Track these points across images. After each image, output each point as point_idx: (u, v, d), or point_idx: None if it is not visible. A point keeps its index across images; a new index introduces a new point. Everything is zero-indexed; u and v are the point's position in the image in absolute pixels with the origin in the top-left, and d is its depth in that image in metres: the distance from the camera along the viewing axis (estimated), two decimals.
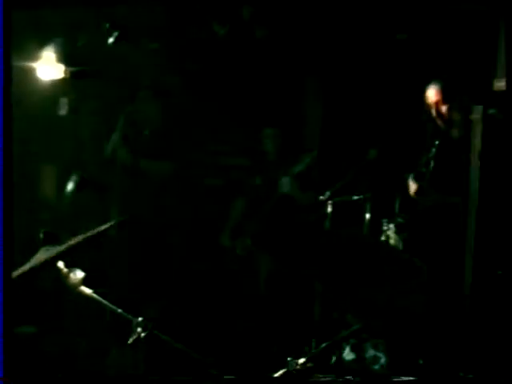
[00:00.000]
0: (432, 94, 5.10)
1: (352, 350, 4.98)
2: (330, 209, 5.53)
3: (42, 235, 3.67)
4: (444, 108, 5.07)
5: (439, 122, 5.11)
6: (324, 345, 4.33)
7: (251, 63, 6.75)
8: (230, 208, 6.53)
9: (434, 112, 5.11)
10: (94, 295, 3.70)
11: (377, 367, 4.90)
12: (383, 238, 5.08)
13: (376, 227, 5.25)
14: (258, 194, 6.41)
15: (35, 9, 5.52)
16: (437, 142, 5.11)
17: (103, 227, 4.02)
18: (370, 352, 4.96)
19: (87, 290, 3.69)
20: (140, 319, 3.62)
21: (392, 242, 5.04)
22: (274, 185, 6.34)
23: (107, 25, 5.97)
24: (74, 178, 6.59)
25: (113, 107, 6.46)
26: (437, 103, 5.09)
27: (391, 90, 6.33)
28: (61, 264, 3.66)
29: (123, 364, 4.47)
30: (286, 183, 6.29)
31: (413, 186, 5.13)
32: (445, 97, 5.05)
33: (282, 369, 3.80)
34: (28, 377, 3.43)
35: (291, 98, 6.87)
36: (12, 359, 3.12)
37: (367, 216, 5.45)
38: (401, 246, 5.02)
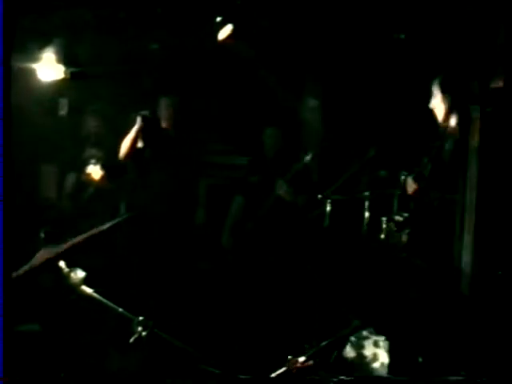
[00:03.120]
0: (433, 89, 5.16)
1: (352, 347, 4.99)
2: (329, 207, 5.54)
3: (42, 235, 3.67)
4: (435, 102, 5.11)
5: (436, 117, 5.16)
6: (324, 343, 4.35)
7: (252, 63, 6.77)
8: (230, 206, 6.54)
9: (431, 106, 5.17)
10: (95, 294, 3.70)
11: (377, 365, 4.91)
12: (382, 236, 5.09)
13: (375, 225, 5.26)
14: (256, 192, 6.42)
15: (37, 11, 5.55)
16: (437, 143, 5.13)
17: (104, 226, 4.03)
18: (370, 349, 4.96)
19: (88, 290, 3.69)
20: (141, 318, 3.61)
21: (391, 240, 5.05)
22: (272, 183, 6.35)
23: None
24: (72, 176, 6.62)
25: (113, 107, 6.48)
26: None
27: (391, 88, 6.35)
28: (62, 263, 3.67)
29: (124, 364, 4.47)
30: (281, 185, 6.30)
31: (412, 186, 5.14)
32: (442, 91, 5.10)
33: (282, 367, 3.81)
34: (28, 377, 3.43)
35: (291, 97, 6.89)
36: (12, 359, 3.12)
37: (366, 214, 5.46)
38: (400, 244, 5.03)
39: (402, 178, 5.16)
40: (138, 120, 6.06)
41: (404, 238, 5.04)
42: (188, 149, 6.32)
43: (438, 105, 5.11)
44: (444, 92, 5.06)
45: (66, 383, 3.94)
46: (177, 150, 6.24)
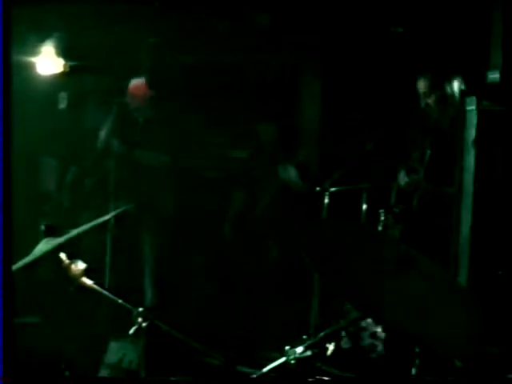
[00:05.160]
0: (420, 84, 5.17)
1: (349, 338, 5.01)
2: (327, 199, 5.57)
3: (43, 227, 3.69)
4: (431, 99, 5.13)
5: (429, 112, 5.17)
6: (322, 334, 4.36)
7: (250, 55, 6.79)
8: (231, 200, 6.57)
9: (423, 103, 5.17)
10: (95, 286, 3.71)
11: (374, 356, 4.94)
12: (380, 229, 5.12)
13: (373, 217, 5.29)
14: (257, 185, 6.45)
15: (35, 4, 5.56)
16: (430, 136, 5.15)
17: (104, 218, 4.05)
18: (367, 340, 4.99)
19: (88, 281, 3.71)
20: (141, 309, 3.61)
21: (389, 232, 5.07)
22: (273, 176, 6.38)
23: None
24: (72, 169, 6.65)
25: (111, 100, 6.51)
26: (425, 94, 5.15)
27: (387, 80, 6.37)
28: (62, 255, 3.68)
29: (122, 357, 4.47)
30: (289, 170, 6.35)
31: (404, 180, 5.16)
32: (432, 87, 5.11)
33: (280, 358, 3.83)
34: (28, 377, 3.43)
35: (289, 90, 6.92)
36: (12, 359, 3.12)
37: (364, 206, 5.49)
38: (397, 237, 5.05)
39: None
40: (114, 108, 6.14)
41: (401, 229, 5.07)
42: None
43: (435, 98, 5.13)
44: (439, 86, 5.09)
45: (66, 380, 3.95)
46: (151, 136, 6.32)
